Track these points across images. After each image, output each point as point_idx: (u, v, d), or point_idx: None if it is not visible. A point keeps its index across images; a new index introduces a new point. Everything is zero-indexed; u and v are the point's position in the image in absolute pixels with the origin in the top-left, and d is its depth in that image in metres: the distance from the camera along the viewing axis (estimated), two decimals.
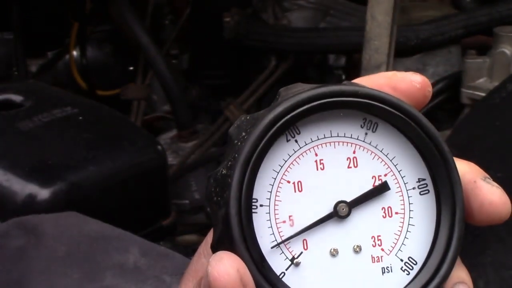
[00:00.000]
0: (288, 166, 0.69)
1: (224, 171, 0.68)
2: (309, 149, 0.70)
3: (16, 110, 2.11)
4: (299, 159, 0.70)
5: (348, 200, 0.70)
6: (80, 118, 2.11)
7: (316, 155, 0.70)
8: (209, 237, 0.75)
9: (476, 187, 0.70)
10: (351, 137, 0.71)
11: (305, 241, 0.70)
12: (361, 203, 0.70)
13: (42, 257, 1.18)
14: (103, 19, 3.23)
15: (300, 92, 0.69)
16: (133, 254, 1.20)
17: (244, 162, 0.66)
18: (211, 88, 3.11)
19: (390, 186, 0.71)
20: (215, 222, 0.69)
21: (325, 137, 0.70)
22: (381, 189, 0.71)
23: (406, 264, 0.71)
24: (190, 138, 2.87)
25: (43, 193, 1.86)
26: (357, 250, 0.70)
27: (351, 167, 0.71)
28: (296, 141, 0.70)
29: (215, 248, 0.69)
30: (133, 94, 3.02)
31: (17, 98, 2.18)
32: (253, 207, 0.68)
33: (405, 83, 0.72)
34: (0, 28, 3.03)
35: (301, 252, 0.70)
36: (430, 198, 0.71)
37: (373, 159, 0.71)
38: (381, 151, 0.71)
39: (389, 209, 0.71)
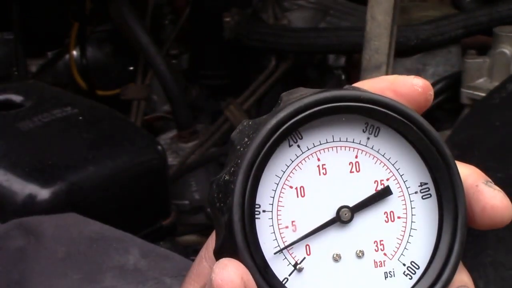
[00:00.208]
0: (291, 171, 0.69)
1: (226, 177, 0.68)
2: (311, 154, 0.70)
3: (16, 110, 2.11)
4: (302, 164, 0.70)
5: (351, 205, 0.70)
6: (80, 118, 2.11)
7: (319, 160, 0.70)
8: (211, 240, 0.75)
9: (478, 191, 0.70)
10: (353, 142, 0.71)
11: (307, 247, 0.70)
12: (363, 208, 0.70)
13: (42, 258, 1.18)
14: (103, 19, 3.23)
15: (302, 97, 0.69)
16: (133, 255, 1.20)
17: (246, 168, 0.66)
18: (211, 88, 3.11)
19: (393, 190, 0.71)
20: (218, 228, 0.69)
21: (327, 142, 0.70)
22: (384, 193, 0.71)
23: (409, 268, 0.71)
24: (190, 138, 2.87)
25: (43, 193, 1.86)
26: (360, 255, 0.70)
27: (353, 172, 0.71)
28: (298, 146, 0.70)
29: (218, 254, 0.68)
30: (133, 94, 3.02)
31: (17, 98, 2.18)
32: (256, 212, 0.68)
33: (407, 87, 0.72)
34: (0, 28, 3.03)
35: (304, 258, 0.69)
36: (432, 202, 0.71)
37: (375, 163, 0.71)
38: (383, 156, 0.71)
39: (392, 213, 0.71)
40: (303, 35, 2.65)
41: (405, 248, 0.71)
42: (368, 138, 0.71)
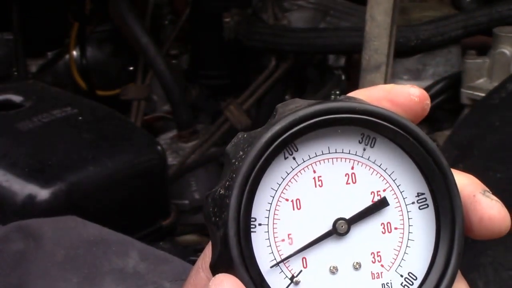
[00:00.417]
0: (287, 184, 0.69)
1: (222, 191, 0.67)
2: (307, 166, 0.69)
3: (16, 110, 2.11)
4: (297, 176, 0.69)
5: (347, 216, 0.70)
6: (80, 118, 2.11)
7: (314, 172, 0.70)
8: (208, 251, 0.75)
9: (476, 201, 0.70)
10: (349, 153, 0.70)
11: (304, 259, 0.69)
12: (360, 220, 0.70)
13: (41, 261, 1.18)
14: (103, 19, 3.22)
15: (297, 109, 0.68)
16: (132, 258, 1.20)
17: (242, 182, 0.66)
18: (211, 88, 3.11)
19: (389, 201, 0.70)
20: (213, 242, 0.69)
21: (323, 154, 0.70)
22: (380, 205, 0.70)
23: (406, 279, 0.71)
24: (190, 138, 2.88)
25: (43, 194, 1.86)
26: (357, 266, 0.70)
27: (349, 183, 0.70)
28: (294, 158, 0.69)
29: (214, 268, 0.68)
30: (133, 94, 3.02)
31: (17, 98, 2.18)
32: (251, 226, 0.67)
33: (403, 97, 0.72)
34: (0, 28, 3.03)
35: (301, 271, 0.69)
36: (430, 213, 0.71)
37: (371, 174, 0.71)
38: (379, 166, 0.71)
39: (389, 224, 0.71)
40: (303, 35, 2.65)
41: (402, 259, 0.71)
42: (364, 149, 0.70)
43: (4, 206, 1.86)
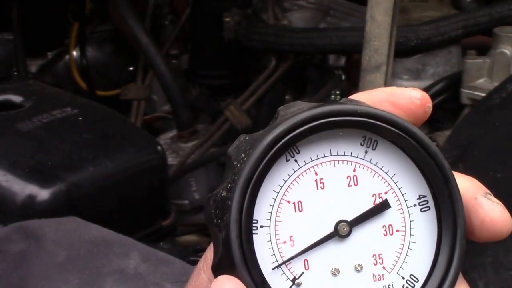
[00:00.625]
0: (288, 186, 0.69)
1: (223, 193, 0.67)
2: (309, 169, 0.70)
3: (16, 110, 2.11)
4: (299, 178, 0.69)
5: (349, 219, 0.70)
6: (80, 118, 2.11)
7: (316, 174, 0.70)
8: (209, 253, 0.75)
9: (477, 204, 0.70)
10: (351, 155, 0.70)
11: (306, 261, 0.69)
12: (361, 222, 0.70)
13: (42, 262, 1.18)
14: (103, 19, 3.22)
15: (299, 112, 0.68)
16: (133, 259, 1.20)
17: (243, 184, 0.66)
18: (211, 88, 3.11)
19: (391, 203, 0.71)
20: (215, 244, 0.69)
21: (324, 156, 0.70)
22: (382, 207, 0.70)
23: (408, 281, 0.71)
24: (190, 138, 2.87)
25: (43, 194, 1.86)
26: (359, 269, 0.70)
27: (351, 186, 0.70)
28: (295, 160, 0.69)
29: (215, 270, 0.68)
30: (133, 94, 3.02)
31: (17, 98, 2.18)
32: (253, 228, 0.68)
33: (405, 99, 0.72)
34: (0, 28, 3.03)
35: (302, 273, 0.69)
36: (431, 215, 0.71)
37: (373, 177, 0.71)
38: (381, 169, 0.71)
39: (390, 226, 0.71)
40: (303, 35, 2.65)
41: (404, 261, 0.71)
42: (366, 152, 0.71)
43: (4, 206, 1.86)
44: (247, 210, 0.66)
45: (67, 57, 3.15)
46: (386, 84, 2.11)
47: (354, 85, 2.62)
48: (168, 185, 2.29)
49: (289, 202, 0.69)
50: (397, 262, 0.71)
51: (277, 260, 0.69)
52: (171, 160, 2.78)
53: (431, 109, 0.72)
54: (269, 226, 0.69)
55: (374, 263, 0.70)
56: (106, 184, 1.98)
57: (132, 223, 2.05)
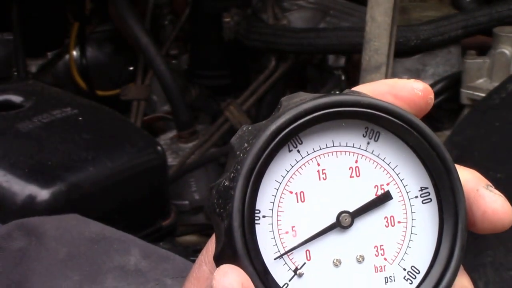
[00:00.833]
0: (291, 177, 0.69)
1: (226, 183, 0.68)
2: (311, 159, 0.70)
3: (16, 111, 2.11)
4: (302, 169, 0.70)
5: (351, 210, 0.70)
6: (80, 118, 2.11)
7: (318, 165, 0.70)
8: (210, 244, 0.75)
9: (479, 195, 0.70)
10: (353, 147, 0.71)
11: (308, 252, 0.70)
12: (363, 213, 0.70)
13: (43, 259, 1.18)
14: (103, 19, 3.23)
15: (302, 102, 0.68)
16: (134, 256, 1.20)
17: (246, 174, 0.66)
18: (211, 88, 3.11)
19: (393, 195, 0.71)
20: (217, 234, 0.69)
21: (327, 147, 0.70)
22: (384, 198, 0.71)
23: (409, 273, 0.71)
24: (190, 139, 2.88)
25: (43, 194, 1.86)
26: (360, 259, 0.70)
27: (353, 177, 0.71)
28: (298, 151, 0.69)
29: (218, 260, 0.69)
30: (133, 94, 3.02)
31: (17, 98, 2.18)
32: (256, 218, 0.68)
33: (407, 91, 0.72)
34: (0, 28, 3.03)
35: (304, 263, 0.69)
36: (433, 207, 0.71)
37: (375, 168, 0.71)
38: (383, 160, 0.71)
39: (392, 218, 0.71)
40: (303, 35, 2.65)
41: (405, 252, 0.71)
42: (368, 143, 0.71)
43: (4, 206, 1.86)
44: (249, 200, 0.67)
45: (67, 57, 3.16)
46: None
47: (354, 85, 2.62)
48: (168, 185, 2.29)
49: (291, 192, 0.69)
50: (398, 253, 0.71)
51: (279, 250, 0.69)
52: (171, 160, 2.78)
53: (433, 100, 0.72)
54: (271, 216, 0.69)
55: (375, 254, 0.71)
56: (106, 184, 1.99)
57: (132, 223, 2.05)
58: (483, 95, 2.22)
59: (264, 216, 0.69)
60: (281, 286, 0.68)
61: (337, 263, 0.70)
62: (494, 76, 2.33)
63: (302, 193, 0.70)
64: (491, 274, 1.69)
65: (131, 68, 3.25)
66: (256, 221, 0.68)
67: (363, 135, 0.71)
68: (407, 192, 0.71)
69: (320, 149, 0.70)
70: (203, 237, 2.71)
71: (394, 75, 2.41)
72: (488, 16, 2.46)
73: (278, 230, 0.69)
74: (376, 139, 0.71)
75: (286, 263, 0.69)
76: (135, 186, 2.09)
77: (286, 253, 0.69)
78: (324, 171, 0.70)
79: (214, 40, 3.00)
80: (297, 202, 0.69)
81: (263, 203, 0.68)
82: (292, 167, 0.69)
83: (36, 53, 3.12)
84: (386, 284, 0.71)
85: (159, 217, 2.19)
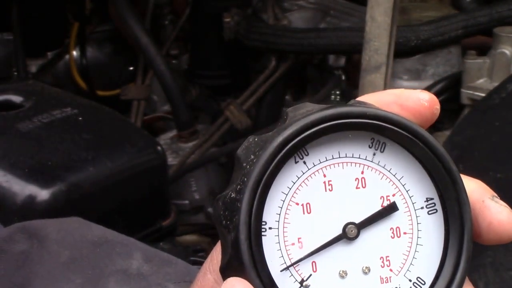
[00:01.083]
0: (297, 188, 0.69)
1: (233, 195, 0.68)
2: (317, 170, 0.70)
3: (16, 111, 2.11)
4: (308, 180, 0.70)
5: (357, 221, 0.70)
6: (80, 118, 2.11)
7: (325, 176, 0.70)
8: (215, 253, 0.75)
9: (485, 206, 0.70)
10: (359, 158, 0.70)
11: (314, 263, 0.69)
12: (369, 224, 0.70)
13: (45, 262, 1.18)
14: (103, 19, 3.22)
15: (308, 113, 0.68)
16: (136, 260, 1.20)
17: (253, 186, 0.66)
18: (211, 88, 3.11)
19: (398, 206, 0.71)
20: (224, 245, 0.69)
21: (333, 158, 0.70)
22: (390, 209, 0.70)
23: (415, 284, 0.71)
24: (190, 138, 2.88)
25: (43, 194, 1.86)
26: (366, 271, 0.70)
27: (359, 188, 0.70)
28: (304, 162, 0.69)
29: (224, 271, 0.69)
30: (133, 94, 3.02)
31: (17, 98, 2.18)
32: (262, 230, 0.68)
33: (413, 101, 0.72)
34: (0, 28, 3.02)
35: (310, 275, 0.69)
36: (438, 218, 0.71)
37: (381, 179, 0.71)
38: (389, 171, 0.71)
39: (398, 229, 0.71)
40: (303, 35, 2.65)
41: (411, 263, 0.71)
42: (374, 154, 0.71)
43: (4, 206, 1.86)
44: (256, 212, 0.67)
45: (67, 57, 3.15)
46: (386, 84, 2.11)
47: (354, 85, 2.62)
48: (168, 185, 2.29)
49: (297, 204, 0.69)
50: (404, 264, 0.71)
51: (285, 262, 0.69)
52: (171, 160, 2.78)
53: (438, 111, 0.72)
54: (278, 228, 0.69)
55: (381, 266, 0.70)
56: (106, 184, 1.99)
57: (132, 223, 2.06)
58: (483, 95, 2.22)
59: (270, 228, 0.68)
60: None
61: (343, 275, 0.70)
62: (494, 76, 2.33)
63: (308, 205, 0.69)
64: (491, 274, 1.70)
65: (131, 68, 3.25)
66: (262, 233, 0.68)
67: (369, 146, 0.71)
68: (412, 203, 0.71)
69: (326, 160, 0.70)
70: (203, 237, 2.72)
71: (394, 75, 2.42)
72: (488, 16, 2.46)
73: (285, 241, 0.69)
74: (382, 150, 0.71)
75: (292, 275, 0.69)
76: (135, 186, 2.09)
77: (292, 265, 0.69)
78: (330, 183, 0.70)
79: (214, 40, 3.00)
80: (303, 213, 0.69)
81: (269, 215, 0.68)
82: (298, 178, 0.69)
83: (36, 53, 3.12)
84: None
85: (159, 217, 2.19)
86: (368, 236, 0.70)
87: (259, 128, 2.72)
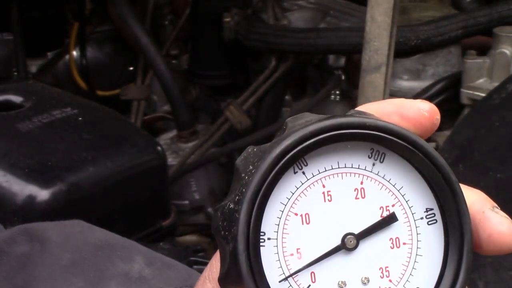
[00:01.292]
0: (296, 199, 0.69)
1: (231, 206, 0.67)
2: (316, 181, 0.70)
3: (16, 111, 2.11)
4: (307, 191, 0.69)
5: (356, 231, 0.70)
6: (80, 119, 2.11)
7: (324, 186, 0.70)
8: (214, 262, 0.75)
9: (485, 217, 0.70)
10: (358, 168, 0.70)
11: (313, 274, 0.69)
12: (368, 235, 0.70)
13: (47, 265, 1.18)
14: (103, 19, 3.22)
15: (307, 124, 0.68)
16: (138, 263, 1.20)
17: (251, 197, 0.66)
18: (211, 88, 3.11)
19: (398, 216, 0.70)
20: (222, 256, 0.69)
21: (332, 168, 0.70)
22: (389, 220, 0.70)
23: None
24: (190, 139, 2.88)
25: (43, 194, 1.86)
26: (365, 282, 0.70)
27: (358, 198, 0.70)
28: (303, 173, 0.69)
29: (222, 282, 0.69)
30: (133, 94, 3.02)
31: (17, 99, 2.18)
32: (260, 240, 0.68)
33: (413, 111, 0.72)
34: (0, 28, 3.02)
35: (309, 285, 0.69)
36: (438, 228, 0.71)
37: (380, 189, 0.71)
38: (388, 182, 0.71)
39: (397, 239, 0.71)
40: (303, 35, 2.65)
41: (410, 274, 0.71)
42: (374, 164, 0.71)
43: (4, 206, 1.86)
44: (254, 223, 0.66)
45: (67, 57, 3.15)
46: (386, 84, 2.11)
47: (354, 85, 2.62)
48: (168, 186, 2.29)
49: (296, 214, 0.69)
50: (403, 275, 0.71)
51: (284, 273, 0.69)
52: (171, 160, 2.78)
53: (439, 121, 0.72)
54: (277, 239, 0.69)
55: (380, 276, 0.70)
56: (106, 185, 1.99)
57: (132, 223, 2.06)
58: (483, 95, 2.22)
59: (269, 239, 0.68)
60: None
61: (342, 285, 0.70)
62: (494, 76, 2.33)
63: (307, 215, 0.69)
64: (491, 274, 1.70)
65: (131, 68, 3.25)
66: (261, 243, 0.68)
67: (368, 156, 0.70)
68: (412, 214, 0.71)
69: (325, 170, 0.70)
70: (203, 237, 2.72)
71: (394, 75, 2.42)
72: (488, 16, 2.46)
73: (283, 252, 0.69)
74: (381, 160, 0.71)
75: (291, 285, 0.69)
76: (135, 186, 2.09)
77: (291, 275, 0.69)
78: (329, 193, 0.70)
79: (214, 40, 3.00)
80: (302, 224, 0.69)
81: (268, 225, 0.68)
82: (297, 189, 0.69)
83: (36, 53, 3.12)
84: None
85: (159, 217, 2.19)
86: (368, 246, 0.70)
87: (259, 128, 2.73)
